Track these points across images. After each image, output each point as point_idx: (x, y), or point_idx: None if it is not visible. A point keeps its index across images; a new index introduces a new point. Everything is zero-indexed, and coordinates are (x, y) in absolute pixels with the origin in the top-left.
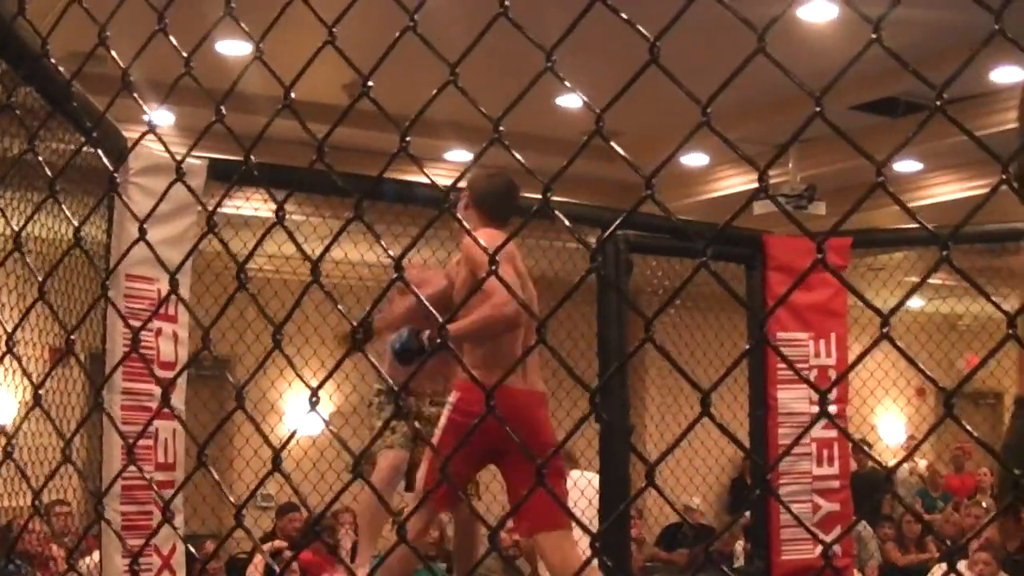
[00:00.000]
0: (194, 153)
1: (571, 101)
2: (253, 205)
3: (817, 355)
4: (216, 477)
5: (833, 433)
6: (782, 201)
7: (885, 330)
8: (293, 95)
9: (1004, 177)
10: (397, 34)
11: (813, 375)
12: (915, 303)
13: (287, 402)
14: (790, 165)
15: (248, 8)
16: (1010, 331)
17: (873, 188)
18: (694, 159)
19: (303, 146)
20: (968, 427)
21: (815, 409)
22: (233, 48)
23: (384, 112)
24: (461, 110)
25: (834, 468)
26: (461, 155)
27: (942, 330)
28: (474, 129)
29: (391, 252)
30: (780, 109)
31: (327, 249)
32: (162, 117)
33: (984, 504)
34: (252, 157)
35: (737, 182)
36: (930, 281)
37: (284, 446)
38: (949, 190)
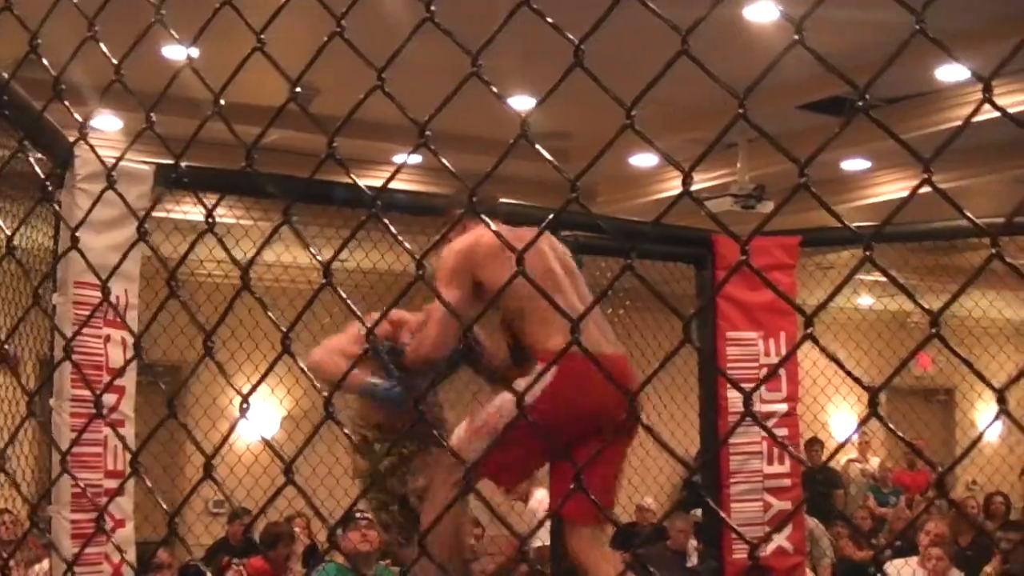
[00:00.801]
0: (141, 159)
1: (522, 103)
2: (217, 211)
3: (767, 354)
4: (149, 484)
5: (784, 431)
6: (731, 201)
7: (809, 330)
8: (252, 99)
9: (925, 177)
10: (351, 36)
11: (763, 374)
12: (865, 301)
13: (238, 408)
14: (739, 165)
15: (197, 13)
16: (933, 330)
17: (796, 189)
18: (643, 160)
19: (265, 152)
20: (890, 424)
21: (766, 408)
22: (180, 53)
23: (312, 117)
24: (419, 112)
25: (785, 466)
26: (413, 158)
27: (891, 328)
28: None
29: (322, 256)
30: (732, 109)
31: (256, 255)
32: (109, 123)
33: (937, 501)
34: (224, 164)
35: None
36: (880, 279)
37: (215, 453)
38: (897, 188)
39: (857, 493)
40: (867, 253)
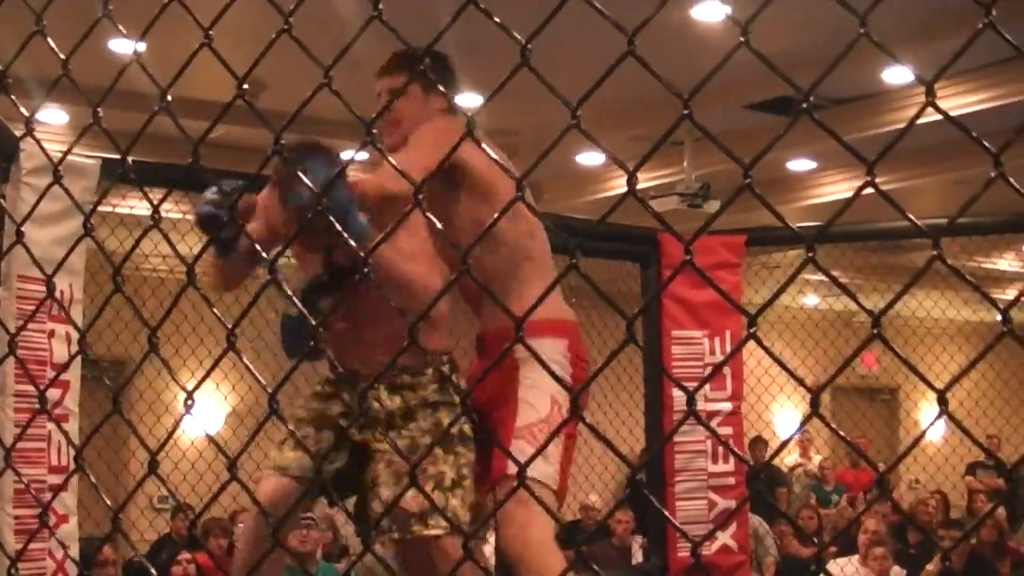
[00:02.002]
0: (89, 153)
1: (469, 101)
2: (163, 206)
3: (712, 352)
4: (93, 479)
5: (729, 430)
6: (676, 200)
7: (752, 330)
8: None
9: (868, 180)
10: (283, 32)
11: (708, 372)
12: (811, 300)
13: (180, 404)
14: (685, 164)
15: (146, 7)
16: (875, 331)
17: (740, 190)
18: (590, 158)
19: (213, 147)
20: (833, 424)
21: (710, 406)
22: (128, 47)
23: (259, 114)
24: (366, 110)
25: (729, 465)
26: (361, 155)
27: (837, 327)
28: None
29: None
30: (679, 107)
31: (203, 251)
32: (56, 116)
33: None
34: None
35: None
36: (825, 279)
37: (159, 449)
38: (843, 188)
39: (802, 491)
40: (810, 255)
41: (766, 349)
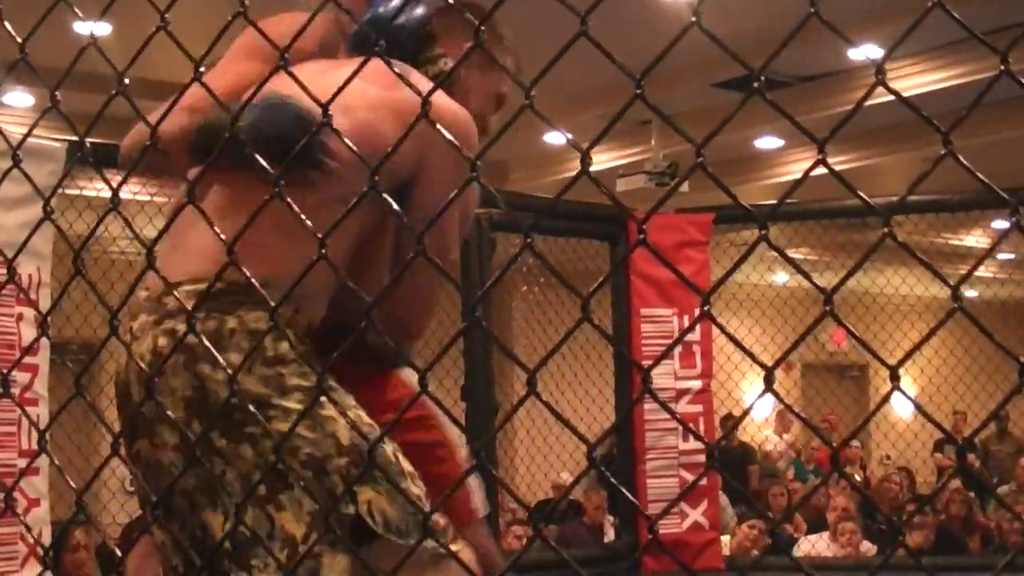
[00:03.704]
0: (55, 136)
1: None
2: (130, 189)
3: (682, 330)
4: (58, 463)
5: (699, 408)
6: (644, 178)
7: (706, 308)
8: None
9: (820, 158)
10: (230, 18)
11: (678, 350)
12: (780, 278)
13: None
14: (652, 142)
15: None
16: (826, 308)
17: (692, 169)
18: (557, 137)
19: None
20: (803, 400)
21: (680, 384)
22: (93, 28)
23: (217, 99)
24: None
25: (699, 443)
26: None
27: (805, 304)
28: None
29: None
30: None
31: (160, 236)
32: (20, 99)
33: (857, 477)
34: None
35: (601, 160)
36: (794, 256)
37: (120, 434)
38: (809, 166)
39: (785, 468)
40: (763, 232)
41: (721, 327)
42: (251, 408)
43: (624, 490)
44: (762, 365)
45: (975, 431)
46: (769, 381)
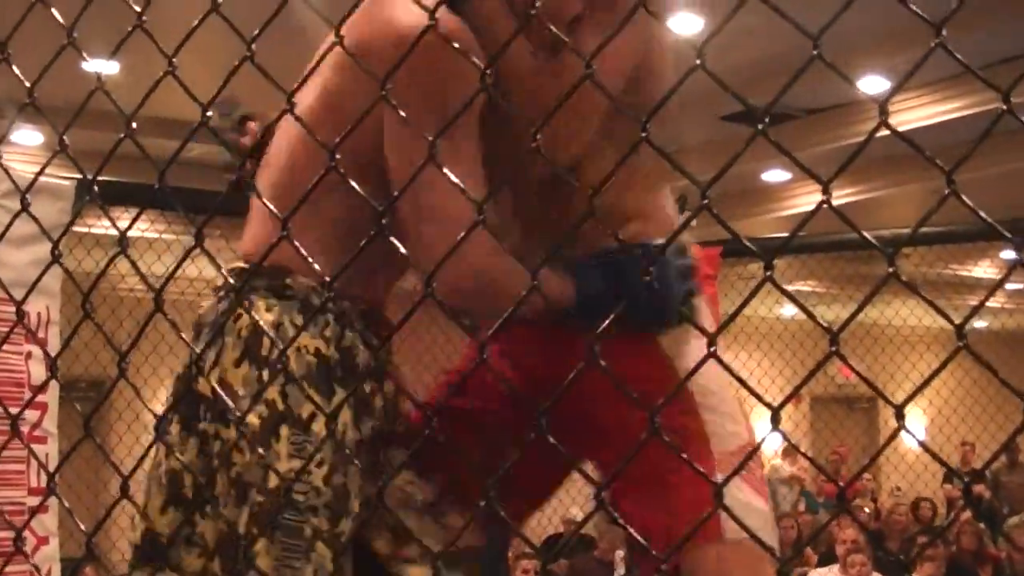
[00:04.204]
0: (63, 174)
1: None
2: (139, 226)
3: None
4: (67, 505)
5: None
6: None
7: (712, 349)
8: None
9: (824, 199)
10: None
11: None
12: (788, 311)
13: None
14: None
15: (122, 24)
16: (832, 348)
17: (699, 210)
18: None
19: (192, 166)
20: (795, 432)
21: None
22: (100, 67)
23: (221, 138)
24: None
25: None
26: None
27: (813, 337)
28: None
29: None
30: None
31: (168, 279)
32: (30, 137)
33: (867, 509)
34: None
35: None
36: (802, 288)
37: (132, 473)
38: (816, 199)
39: (795, 500)
40: (768, 273)
41: (726, 367)
42: (221, 402)
43: (630, 530)
44: (768, 405)
45: (985, 464)
46: (776, 420)
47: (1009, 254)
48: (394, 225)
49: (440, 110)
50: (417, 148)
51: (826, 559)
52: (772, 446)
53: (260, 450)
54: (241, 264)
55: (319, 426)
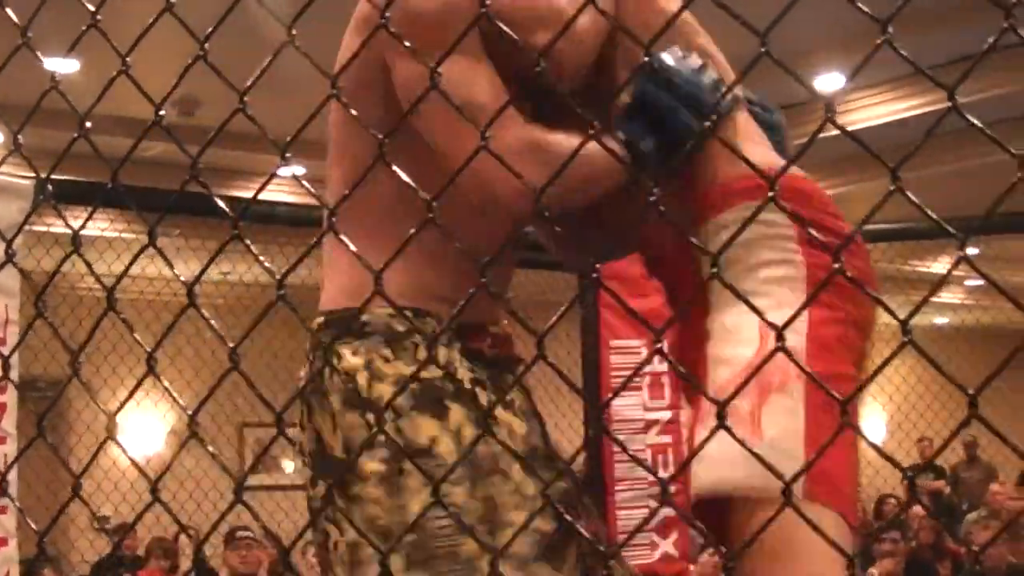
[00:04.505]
0: (23, 173)
1: None
2: (99, 225)
3: (650, 362)
4: (18, 506)
5: (668, 439)
6: None
7: (659, 345)
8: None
9: (771, 195)
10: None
11: (647, 381)
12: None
13: (121, 423)
14: None
15: (82, 22)
16: (779, 344)
17: (647, 207)
18: None
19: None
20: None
21: (649, 416)
22: (61, 65)
23: (173, 136)
24: (291, 128)
25: (670, 472)
26: (298, 170)
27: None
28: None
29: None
30: None
31: (119, 279)
32: None
33: None
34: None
35: None
36: None
37: (83, 473)
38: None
39: None
40: (714, 270)
41: (671, 363)
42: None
43: (582, 529)
44: (714, 401)
45: (931, 458)
46: (720, 417)
47: (971, 250)
48: (445, 173)
49: (441, 42)
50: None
51: None
52: None
53: (390, 492)
54: (319, 319)
55: (444, 447)
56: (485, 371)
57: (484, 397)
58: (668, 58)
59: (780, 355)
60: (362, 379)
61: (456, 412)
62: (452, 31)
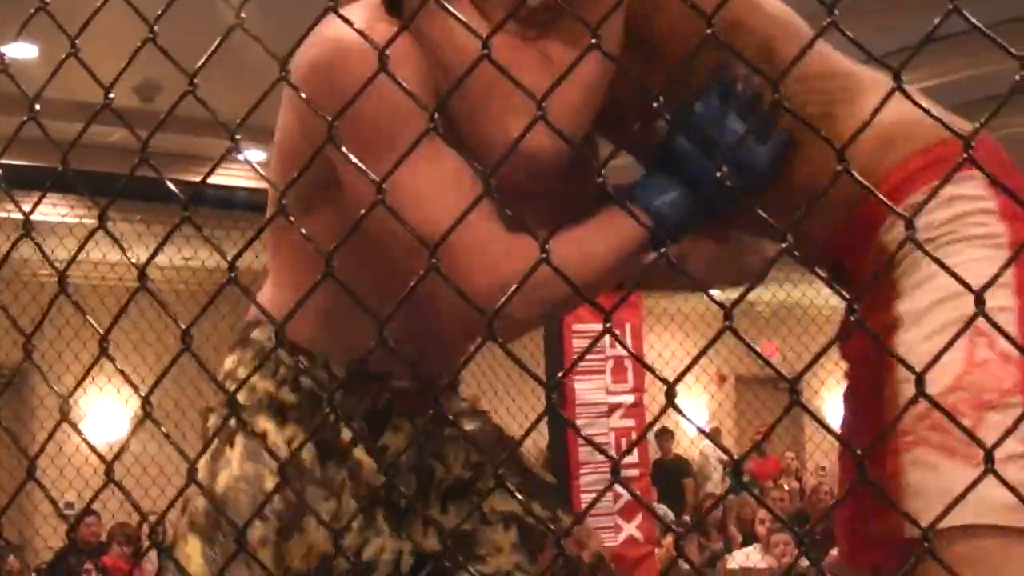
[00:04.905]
0: None
1: None
2: (60, 211)
3: (613, 345)
4: None
5: (631, 423)
6: None
7: (607, 324)
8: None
9: (728, 186)
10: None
11: (609, 365)
12: (714, 291)
13: (84, 410)
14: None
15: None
16: (727, 323)
17: (598, 198)
18: None
19: (111, 151)
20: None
21: (612, 399)
22: (22, 51)
23: (123, 119)
24: (257, 111)
25: (633, 456)
26: (257, 155)
27: (736, 317)
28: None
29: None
30: None
31: (70, 263)
32: None
33: (787, 487)
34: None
35: None
36: None
37: (38, 455)
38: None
39: (719, 479)
40: (661, 251)
41: (622, 343)
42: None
43: (528, 505)
44: (663, 381)
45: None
46: (670, 396)
47: None
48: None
49: (390, 135)
50: (383, 170)
51: (747, 539)
52: (701, 425)
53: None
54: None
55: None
56: (369, 414)
57: (344, 430)
58: (706, 107)
59: (992, 365)
60: (228, 384)
61: (293, 427)
62: (407, 131)
